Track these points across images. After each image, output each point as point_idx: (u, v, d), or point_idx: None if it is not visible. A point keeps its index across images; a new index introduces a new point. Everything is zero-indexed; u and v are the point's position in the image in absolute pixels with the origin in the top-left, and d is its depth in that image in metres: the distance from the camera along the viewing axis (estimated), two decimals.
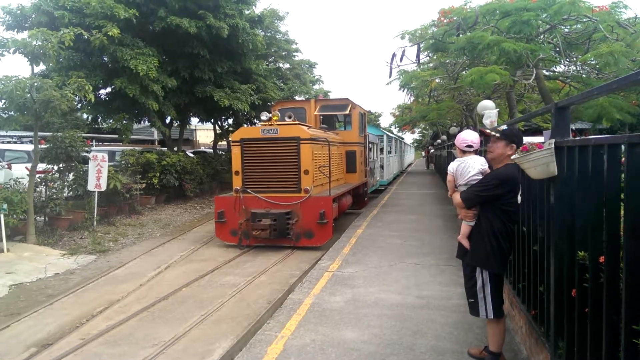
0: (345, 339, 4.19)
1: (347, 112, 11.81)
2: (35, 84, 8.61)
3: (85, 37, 9.86)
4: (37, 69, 10.01)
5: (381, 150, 19.46)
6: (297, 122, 9.19)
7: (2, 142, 15.21)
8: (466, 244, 3.50)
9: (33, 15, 12.58)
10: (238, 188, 8.60)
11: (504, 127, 3.41)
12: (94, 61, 13.11)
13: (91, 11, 11.90)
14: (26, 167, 9.91)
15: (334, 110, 12.04)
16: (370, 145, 15.15)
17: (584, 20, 8.59)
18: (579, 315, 2.56)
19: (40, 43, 8.77)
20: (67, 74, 11.81)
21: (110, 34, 10.18)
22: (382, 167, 19.21)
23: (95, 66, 13.23)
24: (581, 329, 2.53)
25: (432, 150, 39.60)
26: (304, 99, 20.13)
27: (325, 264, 6.84)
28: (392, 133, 31.41)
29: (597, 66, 9.15)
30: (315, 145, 8.82)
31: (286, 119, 9.32)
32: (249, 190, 8.58)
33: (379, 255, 7.31)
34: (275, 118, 8.80)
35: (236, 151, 8.74)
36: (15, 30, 12.95)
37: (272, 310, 5.22)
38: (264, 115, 8.87)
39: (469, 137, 3.59)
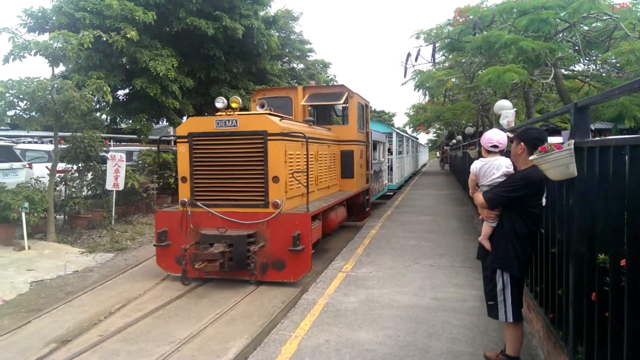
0: (359, 339, 4.18)
1: (342, 101, 9.47)
2: (56, 85, 8.77)
3: (105, 39, 10.01)
4: (56, 70, 10.21)
5: (389, 150, 17.73)
6: (268, 111, 7.05)
7: (24, 142, 15.55)
8: (487, 245, 3.42)
9: (54, 17, 12.85)
10: (185, 200, 6.56)
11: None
12: (113, 62, 13.33)
13: (111, 13, 12.10)
14: (46, 167, 10.13)
15: (326, 100, 9.67)
16: (375, 144, 13.48)
17: (604, 18, 8.44)
18: (599, 319, 2.51)
19: (60, 45, 8.94)
20: (87, 74, 12.03)
21: (128, 36, 10.33)
22: (390, 169, 17.46)
23: (114, 67, 13.44)
24: (601, 333, 2.48)
25: (447, 150, 39.33)
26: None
27: (339, 264, 6.83)
28: (406, 133, 30.85)
29: (618, 65, 8.98)
30: (290, 143, 6.68)
31: (257, 108, 7.38)
32: (199, 203, 6.52)
33: (393, 256, 7.27)
34: (235, 105, 6.51)
35: (183, 150, 6.62)
36: (37, 32, 13.25)
37: (286, 309, 5.23)
38: (219, 102, 6.52)
39: (495, 136, 3.46)
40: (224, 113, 6.54)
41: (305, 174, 6.56)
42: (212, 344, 4.50)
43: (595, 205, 2.62)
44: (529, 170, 3.22)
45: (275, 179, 6.32)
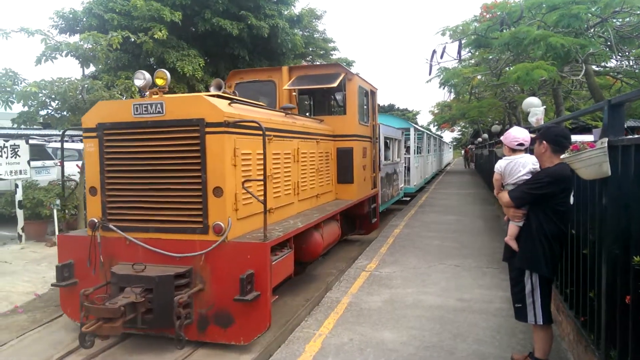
0: (383, 339, 4.16)
1: (336, 84, 7.10)
2: (86, 85, 9.01)
3: (133, 39, 10.23)
4: (86, 71, 10.48)
5: (407, 149, 15.95)
6: (221, 93, 4.91)
7: (55, 141, 16.04)
8: (514, 245, 3.35)
9: (84, 19, 13.22)
10: (95, 221, 4.61)
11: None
12: (141, 62, 13.62)
13: (139, 14, 12.36)
14: (77, 165, 10.40)
15: (316, 83, 7.33)
16: (388, 141, 11.99)
17: (638, 12, 8.15)
18: (633, 323, 2.43)
19: (90, 46, 9.18)
20: (115, 74, 12.34)
21: (156, 36, 10.55)
22: (408, 170, 15.50)
23: (142, 67, 13.73)
24: (636, 337, 2.41)
25: (473, 149, 38.76)
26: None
27: (362, 263, 6.81)
28: (430, 131, 30.11)
29: None
30: (244, 139, 4.61)
31: (212, 89, 5.24)
32: (112, 225, 4.56)
33: (418, 255, 7.20)
34: (161, 82, 4.51)
35: (91, 149, 4.70)
36: (68, 33, 13.65)
37: (309, 308, 5.24)
38: (139, 77, 4.56)
39: (520, 134, 3.42)
40: (147, 94, 4.69)
41: (264, 182, 4.33)
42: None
43: (630, 206, 2.54)
44: (555, 167, 3.18)
45: (217, 191, 4.31)
